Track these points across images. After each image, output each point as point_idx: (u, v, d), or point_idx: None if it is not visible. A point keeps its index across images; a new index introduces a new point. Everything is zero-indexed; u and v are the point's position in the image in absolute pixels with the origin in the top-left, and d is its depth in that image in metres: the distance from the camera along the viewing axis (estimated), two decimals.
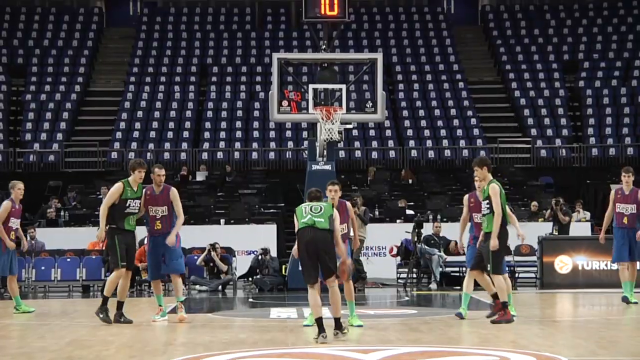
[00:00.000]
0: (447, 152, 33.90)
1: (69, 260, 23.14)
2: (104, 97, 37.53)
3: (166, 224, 13.61)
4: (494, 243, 12.88)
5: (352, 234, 13.20)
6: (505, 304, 12.99)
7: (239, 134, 34.96)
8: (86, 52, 39.11)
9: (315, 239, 11.40)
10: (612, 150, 33.85)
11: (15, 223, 15.92)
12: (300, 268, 11.97)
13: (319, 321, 11.15)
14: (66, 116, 35.48)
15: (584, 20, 40.84)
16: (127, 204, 13.37)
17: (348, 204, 13.26)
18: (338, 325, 11.51)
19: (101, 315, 13.43)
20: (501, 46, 39.82)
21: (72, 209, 27.09)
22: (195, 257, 23.07)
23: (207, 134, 34.81)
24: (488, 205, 13.16)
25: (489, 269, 13.22)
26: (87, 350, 10.61)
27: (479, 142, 34.29)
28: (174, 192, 13.66)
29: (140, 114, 35.67)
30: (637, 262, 16.53)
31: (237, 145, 34.23)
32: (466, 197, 14.63)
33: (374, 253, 25.35)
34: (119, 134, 34.57)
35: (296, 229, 11.69)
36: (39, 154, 33.30)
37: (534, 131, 34.89)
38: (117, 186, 13.40)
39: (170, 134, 34.76)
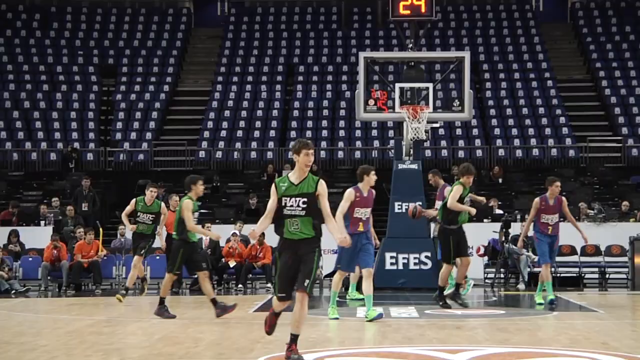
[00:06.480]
0: (535, 152, 33.49)
1: (158, 257, 23.44)
2: (192, 96, 37.94)
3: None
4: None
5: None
6: None
7: (325, 133, 35.02)
8: (175, 52, 39.60)
9: None
10: None
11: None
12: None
13: None
14: (155, 116, 35.97)
15: None
16: None
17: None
18: None
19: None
20: (591, 43, 39.18)
21: None
22: None
23: (293, 133, 34.96)
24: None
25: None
26: (177, 347, 10.74)
27: (568, 141, 33.81)
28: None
29: (227, 113, 35.99)
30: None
31: (323, 144, 34.30)
32: (537, 199, 16.33)
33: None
34: (206, 134, 34.92)
35: None
36: (128, 153, 33.83)
37: (624, 130, 34.26)
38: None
39: (257, 133, 34.99)
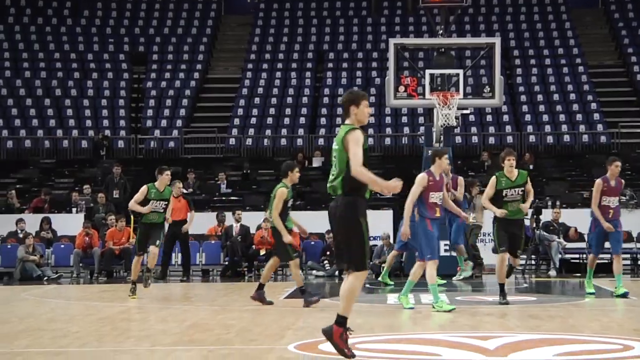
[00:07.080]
0: (567, 138, 33.31)
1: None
2: (222, 84, 38.01)
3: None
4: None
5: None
6: None
7: None
8: (205, 40, 39.67)
9: None
10: None
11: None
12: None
13: None
14: (185, 103, 36.07)
15: None
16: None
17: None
18: None
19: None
20: (622, 29, 38.88)
21: (191, 195, 27.50)
22: (312, 243, 23.19)
23: (323, 120, 34.94)
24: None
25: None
26: (208, 334, 10.78)
27: (600, 127, 33.60)
28: None
29: (257, 100, 36.01)
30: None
31: None
32: (599, 181, 15.02)
33: (492, 239, 25.06)
34: (236, 121, 34.98)
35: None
36: (159, 140, 33.94)
37: None
38: None
39: (287, 120, 35.00)
